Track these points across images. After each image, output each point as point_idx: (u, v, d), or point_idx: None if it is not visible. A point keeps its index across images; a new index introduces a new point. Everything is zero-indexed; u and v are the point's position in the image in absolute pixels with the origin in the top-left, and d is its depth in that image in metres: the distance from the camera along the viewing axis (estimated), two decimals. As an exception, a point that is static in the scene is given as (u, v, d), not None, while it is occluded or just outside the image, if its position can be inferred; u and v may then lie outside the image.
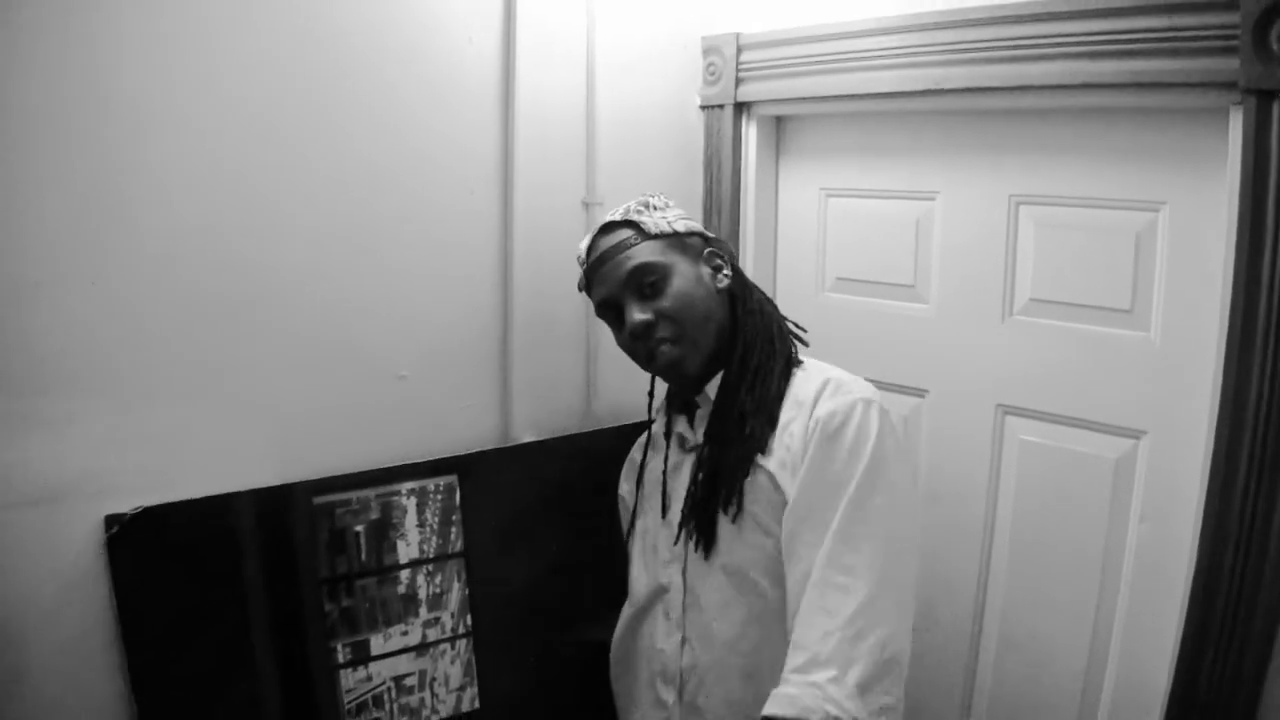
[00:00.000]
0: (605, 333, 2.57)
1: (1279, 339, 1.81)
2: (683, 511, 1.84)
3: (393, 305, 2.31)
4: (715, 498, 1.76)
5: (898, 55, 2.32)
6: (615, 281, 1.82)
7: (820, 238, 2.72)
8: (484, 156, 2.42)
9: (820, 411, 1.67)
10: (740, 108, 2.73)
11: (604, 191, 2.59)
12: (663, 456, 1.97)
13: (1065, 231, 2.24)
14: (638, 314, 1.79)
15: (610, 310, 1.87)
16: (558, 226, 2.55)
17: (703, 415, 1.86)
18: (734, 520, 1.75)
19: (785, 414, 1.75)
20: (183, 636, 2.06)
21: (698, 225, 1.93)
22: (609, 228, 1.87)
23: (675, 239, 1.84)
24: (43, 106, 1.81)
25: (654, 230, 1.82)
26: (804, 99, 2.58)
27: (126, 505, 1.97)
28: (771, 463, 1.72)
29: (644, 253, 1.81)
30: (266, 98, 2.07)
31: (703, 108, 2.79)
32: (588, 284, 1.92)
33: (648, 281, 1.79)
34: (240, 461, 2.12)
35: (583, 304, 2.58)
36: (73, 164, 1.86)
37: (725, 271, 1.89)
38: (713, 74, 2.73)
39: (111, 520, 1.96)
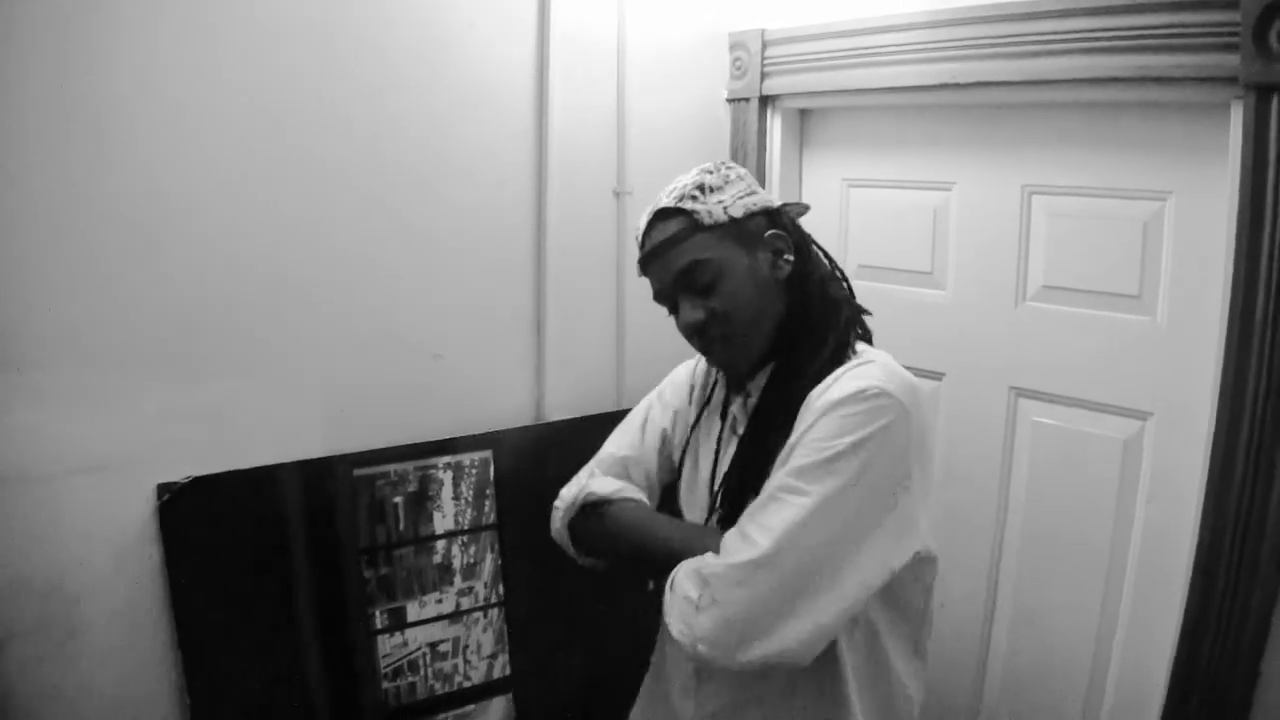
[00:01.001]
0: (635, 316, 2.66)
1: (1276, 323, 1.86)
2: (714, 494, 1.76)
3: (430, 288, 2.40)
4: (745, 490, 1.66)
5: (916, 50, 2.38)
6: (667, 277, 1.69)
7: (842, 226, 2.79)
8: (519, 148, 2.50)
9: (830, 391, 1.54)
10: (765, 101, 2.80)
11: (634, 181, 2.68)
12: (715, 435, 1.84)
13: (1076, 220, 2.30)
14: (689, 313, 1.67)
15: (665, 300, 1.74)
16: (589, 214, 2.64)
17: (751, 405, 1.74)
18: None
19: (808, 400, 1.58)
20: (229, 600, 2.15)
21: (760, 200, 1.72)
22: (662, 215, 1.69)
23: (732, 226, 1.66)
24: (120, 91, 1.91)
25: (708, 221, 1.64)
26: (826, 92, 2.64)
27: (177, 474, 2.08)
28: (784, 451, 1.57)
29: (696, 248, 1.65)
30: (326, 93, 2.18)
31: (729, 101, 2.86)
32: (643, 270, 1.76)
33: (699, 279, 1.65)
34: (285, 434, 2.22)
35: (613, 288, 2.70)
36: (136, 143, 1.96)
37: (786, 257, 1.70)
38: (739, 68, 2.80)
39: (163, 489, 2.06)
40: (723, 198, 1.67)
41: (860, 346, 1.71)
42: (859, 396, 1.49)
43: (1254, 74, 1.84)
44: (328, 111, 2.19)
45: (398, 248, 2.34)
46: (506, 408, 2.56)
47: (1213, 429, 1.98)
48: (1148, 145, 2.17)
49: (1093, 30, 2.06)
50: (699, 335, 1.70)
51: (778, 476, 1.51)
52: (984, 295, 2.48)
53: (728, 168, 1.73)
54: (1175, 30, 1.94)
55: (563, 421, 2.60)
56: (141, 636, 2.10)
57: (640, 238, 1.74)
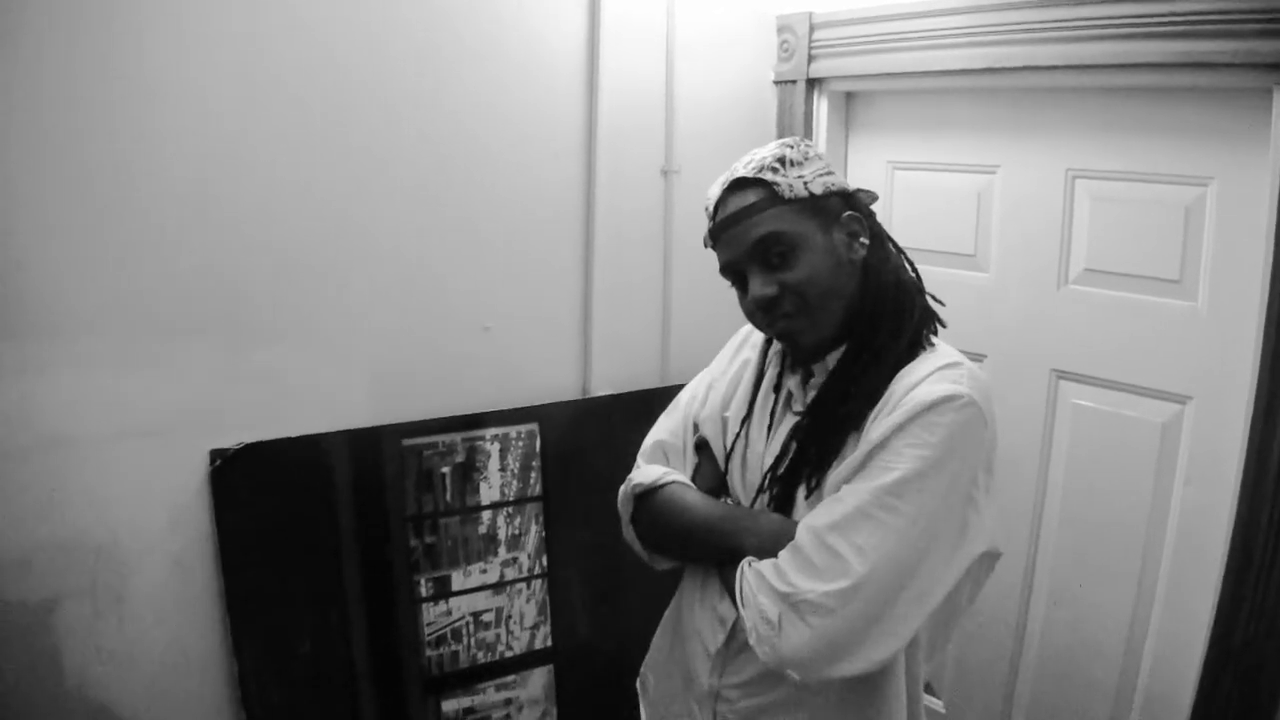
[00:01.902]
0: (681, 295, 2.66)
1: (1315, 309, 1.86)
2: (765, 475, 1.69)
3: (480, 261, 2.44)
4: (799, 474, 1.62)
5: (961, 34, 2.39)
6: (740, 248, 1.60)
7: (887, 209, 2.75)
8: (570, 127, 2.54)
9: (918, 392, 1.48)
10: (812, 83, 2.81)
11: (681, 161, 2.71)
12: (769, 411, 1.77)
13: (1118, 205, 2.31)
14: (761, 287, 1.59)
15: (733, 274, 1.66)
16: (637, 193, 2.67)
17: (815, 384, 1.66)
18: (807, 497, 1.60)
19: (889, 394, 1.53)
20: (277, 565, 2.21)
21: (838, 181, 1.64)
22: (739, 185, 1.61)
23: (810, 202, 1.58)
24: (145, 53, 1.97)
25: (788, 194, 1.57)
26: (872, 75, 2.66)
27: (230, 441, 2.14)
28: (862, 443, 1.51)
29: (774, 220, 1.57)
30: (376, 73, 2.23)
31: (776, 83, 2.87)
32: (713, 242, 1.68)
33: (775, 252, 1.57)
34: (336, 404, 2.27)
35: (660, 266, 2.72)
36: (189, 113, 2.01)
37: (862, 239, 1.63)
38: (786, 51, 2.81)
39: (216, 454, 2.12)
40: (803, 173, 1.59)
41: (935, 340, 1.65)
42: (952, 404, 1.44)
43: (1295, 60, 1.84)
44: (379, 90, 2.23)
45: (448, 223, 2.38)
46: (553, 382, 2.60)
47: (1251, 412, 1.99)
48: (1190, 130, 2.17)
49: (1135, 16, 2.06)
50: (767, 311, 1.61)
51: (864, 486, 1.45)
52: (1026, 278, 2.49)
53: (806, 144, 1.65)
54: (1217, 15, 1.94)
55: (608, 397, 2.63)
56: (191, 599, 2.16)
57: (713, 207, 1.65)
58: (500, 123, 2.42)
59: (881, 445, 1.45)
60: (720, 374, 1.90)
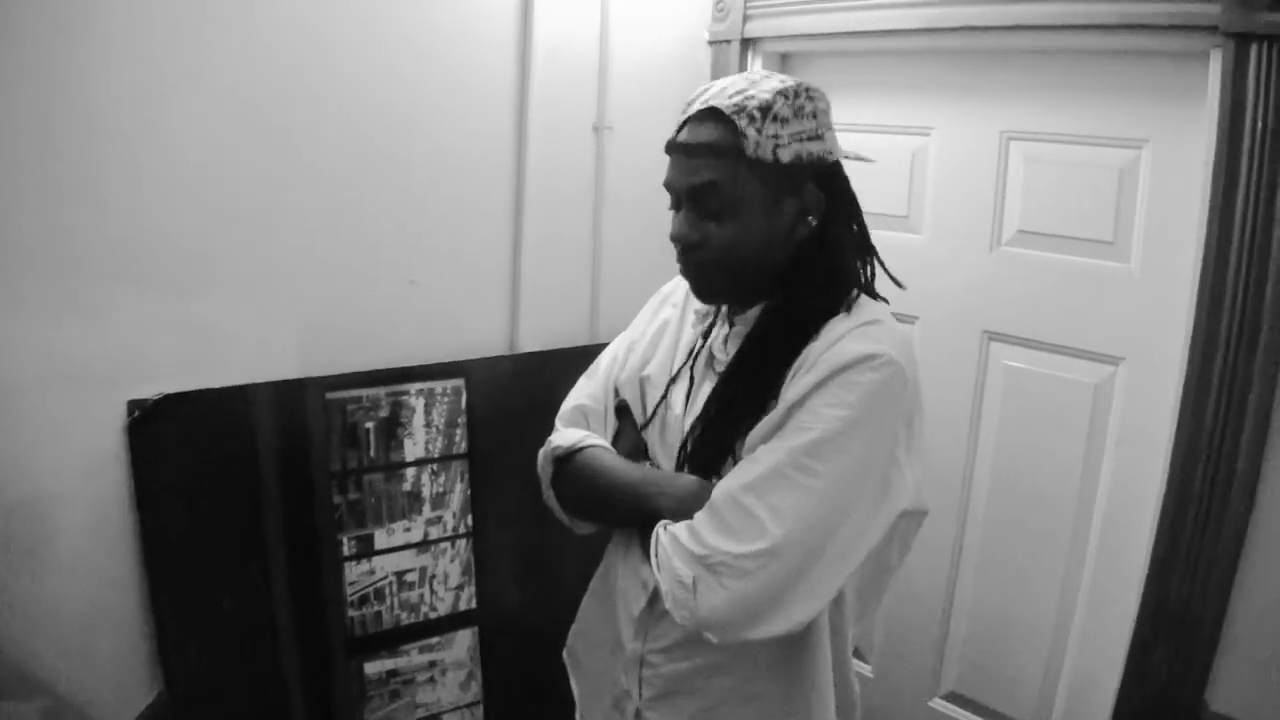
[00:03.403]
0: (611, 252, 2.65)
1: (1249, 268, 1.90)
2: (683, 441, 1.64)
3: (407, 214, 2.39)
4: (718, 436, 1.56)
5: (899, -6, 2.38)
6: (682, 181, 1.51)
7: None
8: (502, 77, 2.50)
9: (837, 349, 1.43)
10: (747, 44, 2.80)
11: (614, 117, 2.69)
12: (689, 370, 1.70)
13: (1053, 166, 2.32)
14: (684, 226, 1.52)
15: (671, 195, 1.56)
16: (569, 148, 2.64)
17: (736, 335, 1.60)
18: (728, 460, 1.54)
19: (807, 352, 1.48)
20: (197, 521, 2.14)
21: (819, 150, 1.52)
22: (710, 114, 1.49)
23: (772, 167, 1.48)
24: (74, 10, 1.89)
25: (750, 151, 1.46)
26: (809, 35, 2.65)
27: (150, 391, 2.06)
28: (780, 402, 1.47)
29: (723, 170, 1.47)
30: (309, 22, 2.17)
31: (711, 43, 2.85)
32: (667, 152, 1.57)
33: (710, 205, 1.49)
34: (260, 355, 2.21)
35: (590, 223, 2.71)
36: (120, 56, 1.93)
37: (811, 219, 1.53)
38: (721, 10, 2.79)
39: (134, 405, 2.04)
40: (780, 133, 1.47)
41: (861, 298, 1.57)
42: (870, 363, 1.40)
43: (1233, 22, 1.87)
44: (310, 39, 2.18)
45: (376, 173, 2.33)
46: (480, 337, 2.56)
47: (1184, 371, 2.02)
48: (1126, 93, 2.20)
49: (1074, -24, 2.07)
50: (683, 251, 1.55)
51: (780, 445, 1.41)
52: (960, 239, 2.50)
53: (809, 97, 1.52)
54: (1156, -22, 1.96)
55: (537, 353, 2.60)
56: (108, 555, 2.08)
57: (680, 120, 1.54)
58: (434, 72, 2.37)
59: (799, 404, 1.41)
60: (640, 335, 1.83)
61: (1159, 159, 2.16)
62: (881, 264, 1.64)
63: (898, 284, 1.65)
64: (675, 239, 1.54)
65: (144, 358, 2.06)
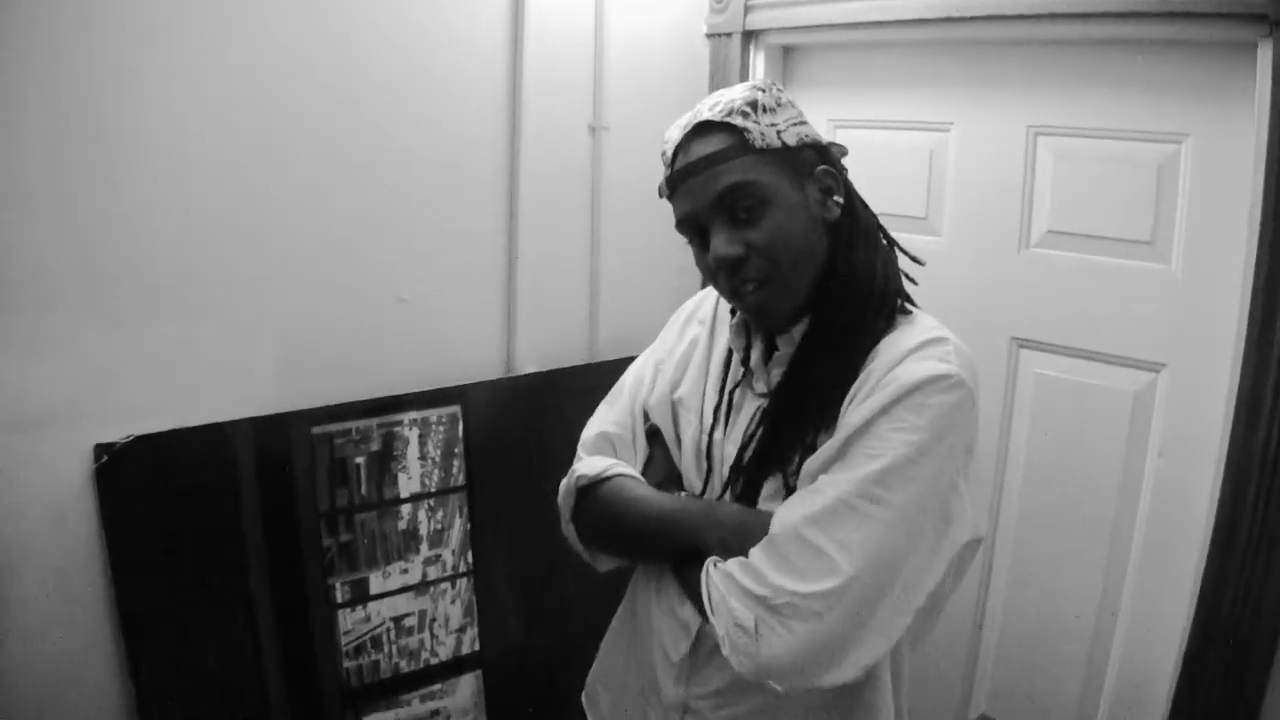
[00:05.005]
0: (610, 264, 2.53)
1: (1302, 270, 1.80)
2: (731, 467, 1.55)
3: (395, 226, 2.28)
4: (768, 464, 1.49)
5: (916, -20, 2.27)
6: (703, 199, 1.45)
7: None
8: (493, 80, 2.39)
9: (902, 370, 1.37)
10: (748, 36, 2.68)
11: (611, 117, 2.58)
12: (727, 392, 1.62)
13: (1085, 163, 2.22)
14: (726, 246, 1.44)
15: (692, 229, 1.51)
16: (565, 151, 2.53)
17: (780, 358, 1.53)
18: (783, 489, 1.47)
19: (868, 373, 1.42)
20: (176, 572, 2.01)
21: (811, 132, 1.51)
22: (705, 129, 1.47)
23: (783, 153, 1.45)
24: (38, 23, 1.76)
25: (759, 143, 1.44)
26: (814, 27, 2.54)
27: (118, 433, 1.92)
28: (839, 428, 1.40)
29: (742, 169, 1.43)
30: (285, 32, 2.05)
31: (709, 36, 2.74)
32: (670, 191, 1.53)
33: (742, 205, 1.44)
34: (238, 387, 2.08)
35: (588, 232, 2.59)
36: (70, 71, 1.80)
37: (836, 198, 1.51)
38: (720, 1, 2.68)
39: (101, 449, 1.90)
40: (775, 120, 1.46)
41: (912, 308, 1.54)
42: (940, 385, 1.33)
43: (1285, 10, 1.77)
44: (286, 51, 2.06)
45: (361, 184, 2.21)
46: (475, 359, 2.44)
47: (1236, 380, 1.92)
48: (1164, 85, 2.09)
49: (1111, -38, 1.98)
50: (731, 273, 1.46)
51: (846, 475, 1.33)
52: (984, 241, 2.39)
53: (779, 89, 1.51)
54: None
55: (536, 375, 2.48)
56: (79, 613, 1.95)
57: (671, 152, 1.50)
58: (418, 75, 2.25)
59: (863, 430, 1.34)
60: (667, 354, 1.75)
61: (1201, 154, 2.05)
62: (901, 249, 1.61)
63: (916, 260, 1.63)
64: (719, 263, 1.46)
65: (110, 395, 1.92)
